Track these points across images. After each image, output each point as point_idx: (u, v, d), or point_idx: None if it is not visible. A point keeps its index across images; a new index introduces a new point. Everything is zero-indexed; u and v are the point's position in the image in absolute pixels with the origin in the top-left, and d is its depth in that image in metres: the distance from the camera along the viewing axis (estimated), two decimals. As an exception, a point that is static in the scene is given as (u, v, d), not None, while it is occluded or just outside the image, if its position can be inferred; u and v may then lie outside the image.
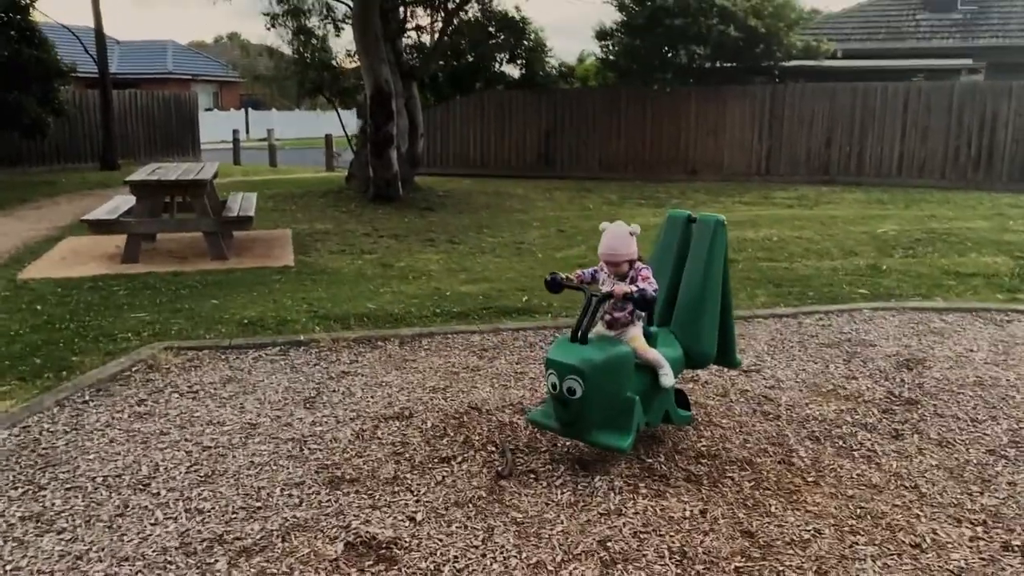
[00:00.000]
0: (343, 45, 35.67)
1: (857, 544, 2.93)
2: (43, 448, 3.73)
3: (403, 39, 15.12)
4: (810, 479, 3.44)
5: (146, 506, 3.20)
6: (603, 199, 13.96)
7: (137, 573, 2.75)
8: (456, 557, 2.84)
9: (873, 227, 10.33)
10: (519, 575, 2.74)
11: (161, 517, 3.12)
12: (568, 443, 3.72)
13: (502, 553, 2.87)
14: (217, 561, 2.82)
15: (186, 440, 3.83)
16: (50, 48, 15.82)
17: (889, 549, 2.90)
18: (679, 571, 2.76)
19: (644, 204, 13.31)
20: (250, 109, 38.37)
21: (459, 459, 3.61)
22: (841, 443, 3.81)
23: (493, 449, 3.71)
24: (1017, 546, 2.92)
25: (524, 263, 8.35)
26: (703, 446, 3.76)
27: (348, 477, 3.45)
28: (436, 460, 3.60)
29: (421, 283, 7.33)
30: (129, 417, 4.10)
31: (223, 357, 5.06)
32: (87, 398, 4.35)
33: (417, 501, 3.24)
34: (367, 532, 3.00)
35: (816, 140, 16.43)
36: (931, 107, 15.68)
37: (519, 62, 17.89)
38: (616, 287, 3.44)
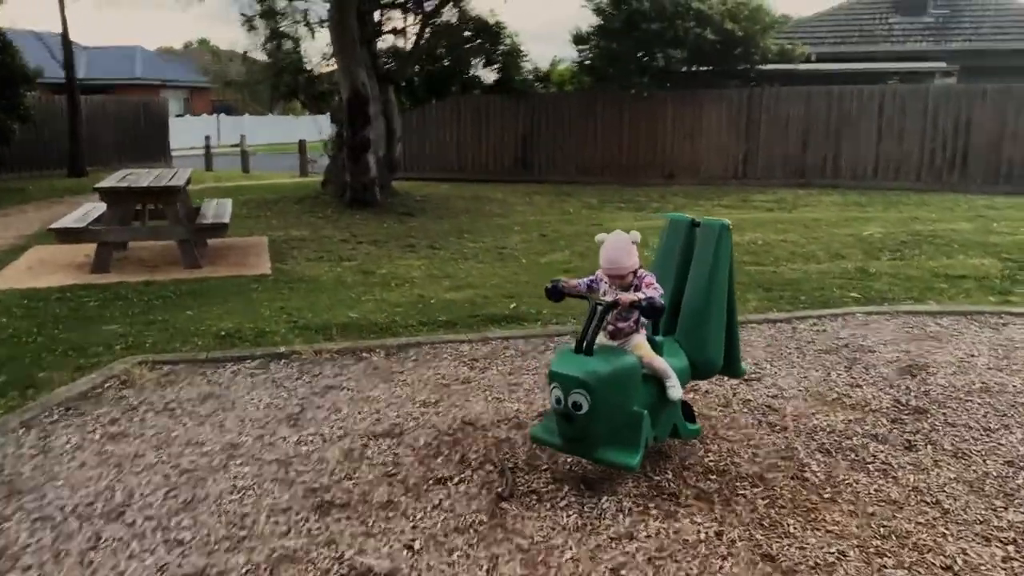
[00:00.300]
0: (318, 49, 35.38)
1: (886, 568, 2.76)
2: (7, 475, 3.47)
3: (379, 42, 14.90)
4: (826, 495, 3.27)
5: (121, 537, 2.96)
6: (583, 203, 13.80)
7: (112, 614, 2.52)
8: (460, 589, 2.64)
9: (858, 229, 10.26)
10: (529, 608, 2.55)
11: (137, 549, 2.88)
12: (570, 460, 3.53)
13: (509, 584, 2.67)
14: (200, 599, 2.60)
15: (163, 463, 3.58)
16: (15, 53, 15.39)
17: (920, 573, 2.73)
18: (700, 600, 2.59)
19: (624, 208, 13.19)
20: (222, 115, 37.87)
21: (456, 480, 3.40)
22: (853, 456, 3.65)
23: (491, 468, 3.50)
24: (1050, 566, 2.77)
25: (508, 268, 8.15)
26: (711, 461, 3.58)
27: (338, 502, 3.23)
28: (431, 481, 3.39)
29: (404, 290, 7.11)
30: (101, 438, 3.85)
31: (200, 371, 4.81)
32: (55, 418, 4.08)
33: (414, 527, 3.03)
34: (362, 564, 2.78)
35: (792, 143, 16.43)
36: (906, 110, 15.71)
37: (495, 66, 17.70)
38: (622, 295, 3.26)
